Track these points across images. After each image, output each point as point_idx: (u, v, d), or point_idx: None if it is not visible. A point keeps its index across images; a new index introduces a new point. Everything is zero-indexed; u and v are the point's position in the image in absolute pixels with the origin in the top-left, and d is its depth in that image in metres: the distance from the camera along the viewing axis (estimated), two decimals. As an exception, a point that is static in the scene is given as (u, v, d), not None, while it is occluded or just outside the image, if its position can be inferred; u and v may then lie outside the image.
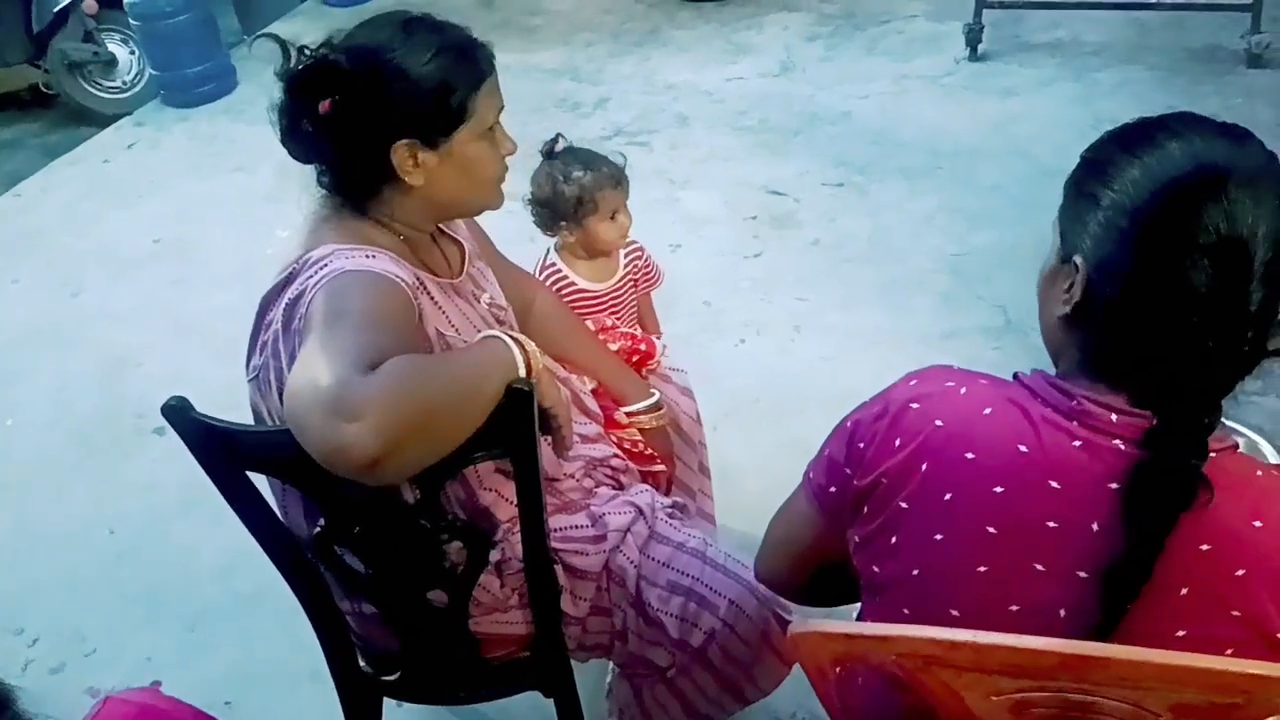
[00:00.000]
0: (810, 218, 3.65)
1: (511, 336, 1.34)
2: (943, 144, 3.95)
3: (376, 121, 1.45)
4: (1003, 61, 4.43)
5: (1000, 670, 1.03)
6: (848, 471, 1.23)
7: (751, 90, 4.50)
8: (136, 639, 2.50)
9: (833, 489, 1.26)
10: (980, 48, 4.44)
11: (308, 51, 1.45)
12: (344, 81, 1.43)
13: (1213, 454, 1.05)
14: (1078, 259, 1.11)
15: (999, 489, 1.10)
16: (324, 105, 1.43)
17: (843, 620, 1.24)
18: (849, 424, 1.25)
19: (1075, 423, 1.08)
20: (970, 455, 1.13)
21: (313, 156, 1.52)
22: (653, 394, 1.92)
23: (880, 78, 4.45)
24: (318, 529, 1.45)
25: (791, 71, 4.62)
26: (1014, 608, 1.10)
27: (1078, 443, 1.08)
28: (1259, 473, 1.08)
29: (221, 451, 1.40)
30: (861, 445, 1.21)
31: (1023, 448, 1.10)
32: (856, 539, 1.24)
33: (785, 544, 1.38)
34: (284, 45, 1.48)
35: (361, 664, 1.70)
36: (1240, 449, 1.11)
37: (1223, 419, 1.88)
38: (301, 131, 1.47)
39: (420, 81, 1.45)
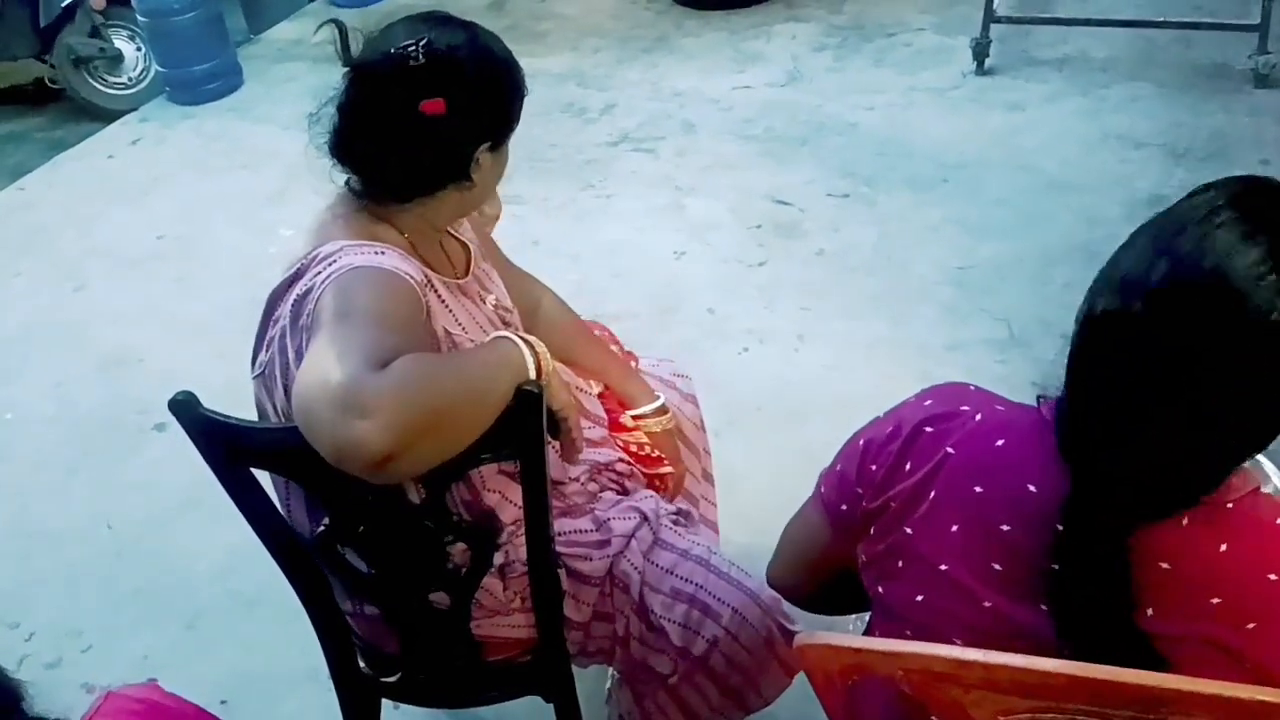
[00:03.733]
0: (815, 227, 3.65)
1: (522, 338, 1.34)
2: (949, 156, 3.94)
3: (480, 123, 1.47)
4: (1009, 76, 4.43)
5: (1010, 690, 1.02)
6: (859, 491, 1.23)
7: (758, 99, 4.50)
8: (134, 636, 2.49)
9: (844, 506, 1.26)
10: (987, 62, 4.43)
11: (409, 49, 1.40)
12: (460, 82, 1.43)
13: (1230, 504, 1.04)
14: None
15: (1005, 527, 1.10)
16: (434, 104, 1.41)
17: (845, 630, 1.23)
18: (862, 442, 1.24)
19: None
20: (979, 489, 1.12)
21: (375, 153, 1.47)
22: (659, 398, 1.92)
23: (887, 89, 4.45)
24: (321, 528, 1.45)
25: (799, 81, 4.61)
26: (1018, 642, 1.09)
27: None
28: (1279, 521, 1.06)
29: (227, 448, 1.40)
30: (873, 467, 1.21)
31: (1031, 487, 1.09)
32: (864, 557, 1.24)
33: (797, 551, 1.38)
34: (344, 33, 1.46)
35: (361, 665, 1.70)
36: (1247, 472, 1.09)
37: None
38: (375, 126, 1.45)
39: (516, 88, 1.50)
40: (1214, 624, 1.02)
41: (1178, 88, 4.17)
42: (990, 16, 4.36)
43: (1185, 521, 1.04)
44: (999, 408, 1.18)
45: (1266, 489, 1.53)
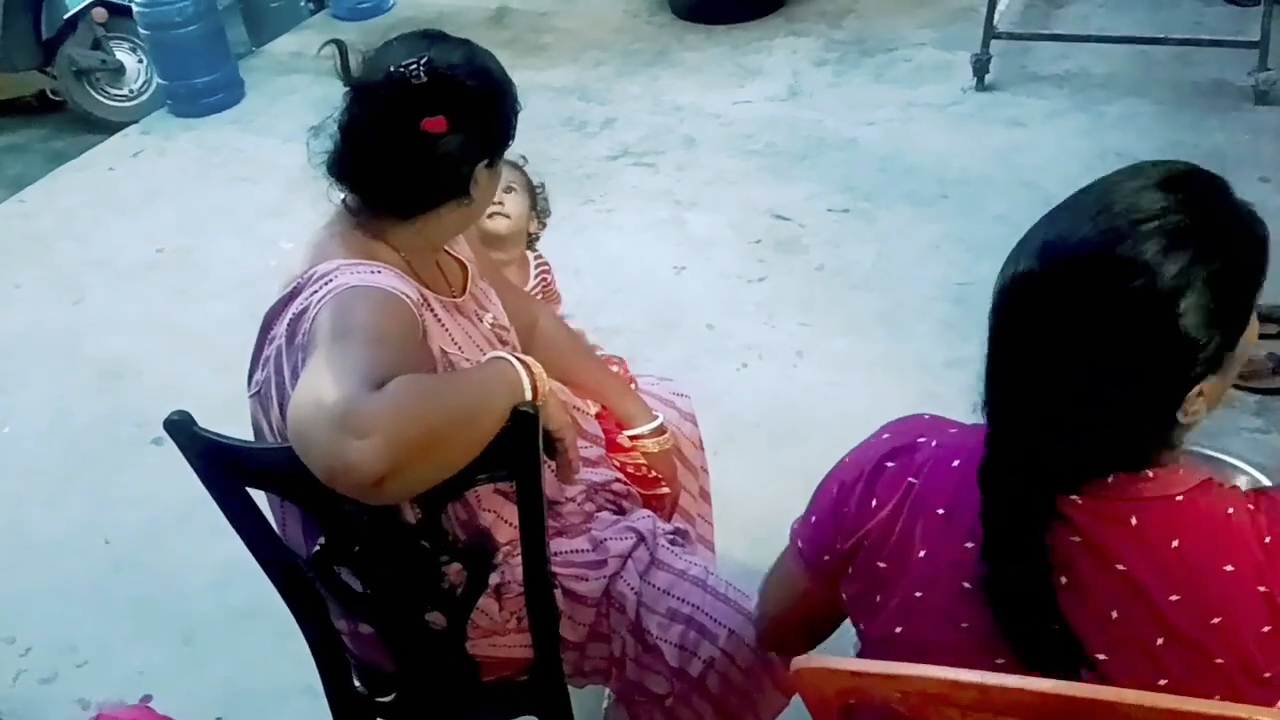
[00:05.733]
0: (815, 243, 3.65)
1: (518, 358, 1.34)
2: (949, 172, 3.95)
3: (480, 140, 1.48)
4: (1010, 92, 4.44)
5: (1006, 710, 1.02)
6: (833, 533, 1.23)
7: (759, 114, 4.50)
8: (129, 651, 2.48)
9: (826, 556, 1.25)
10: (987, 78, 4.44)
11: (410, 67, 1.40)
12: (461, 100, 1.43)
13: (1179, 496, 1.04)
14: None
15: (970, 544, 1.10)
16: (436, 121, 1.42)
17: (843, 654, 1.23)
18: (832, 486, 1.25)
19: None
20: (941, 511, 1.13)
21: (377, 171, 1.47)
22: (656, 417, 1.91)
23: (887, 105, 4.46)
24: (317, 547, 1.44)
25: (799, 96, 4.62)
26: (1000, 660, 1.09)
27: None
28: (1230, 510, 1.05)
29: (222, 467, 1.39)
30: (844, 509, 1.22)
31: None
32: (845, 597, 1.25)
33: (781, 607, 1.38)
34: (344, 53, 1.46)
35: (356, 684, 1.69)
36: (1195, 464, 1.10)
37: (1220, 454, 1.86)
38: (377, 144, 1.45)
39: (512, 104, 1.51)
40: (1178, 624, 1.02)
41: (1177, 105, 4.17)
42: (990, 32, 4.38)
43: (1134, 521, 1.04)
44: (952, 431, 1.20)
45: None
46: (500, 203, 2.07)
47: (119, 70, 5.19)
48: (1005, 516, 1.06)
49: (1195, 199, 1.02)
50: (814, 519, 1.27)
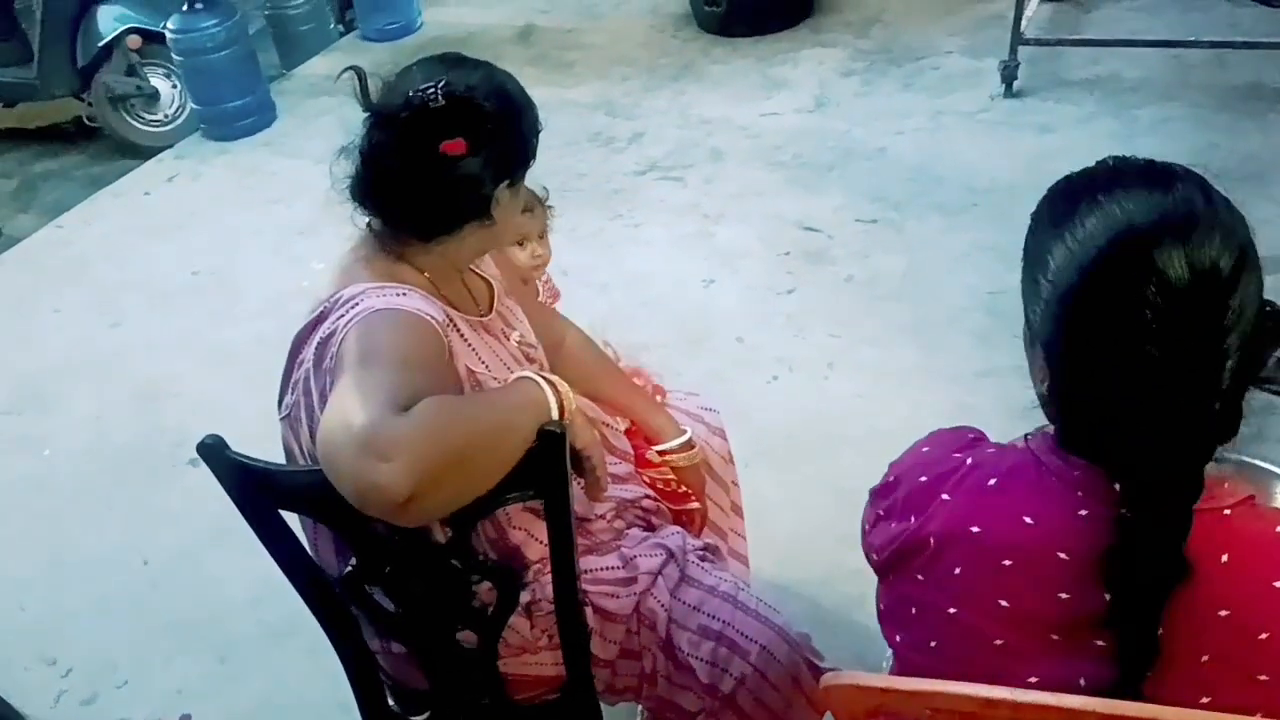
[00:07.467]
0: (844, 254, 3.64)
1: (544, 378, 1.35)
2: (979, 181, 3.92)
3: (500, 161, 1.48)
4: (1039, 98, 4.41)
5: (1039, 729, 1.01)
6: (871, 543, 1.24)
7: (786, 125, 4.50)
8: (167, 670, 2.51)
9: (874, 555, 1.26)
10: (1016, 84, 4.41)
11: (428, 91, 1.42)
12: (480, 121, 1.44)
13: (1226, 510, 1.03)
14: (1040, 348, 1.10)
15: (1007, 562, 1.10)
16: (455, 144, 1.43)
17: (875, 671, 1.23)
18: (872, 494, 1.27)
19: (1080, 492, 1.07)
20: (976, 530, 1.12)
21: (398, 194, 1.49)
22: (685, 431, 1.91)
23: (916, 114, 4.44)
24: (348, 568, 1.45)
25: (827, 107, 4.61)
26: (1033, 679, 1.08)
27: (1084, 511, 1.06)
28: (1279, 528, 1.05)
29: (255, 490, 1.41)
30: (878, 518, 1.23)
31: (1028, 520, 1.09)
32: (882, 606, 1.25)
33: None
34: (363, 79, 1.47)
35: (390, 703, 1.70)
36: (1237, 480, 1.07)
37: (1263, 462, 1.83)
38: (397, 168, 1.46)
39: (532, 124, 1.52)
40: (1225, 639, 1.01)
41: (1211, 109, 4.13)
42: (1018, 39, 4.34)
43: None
44: (990, 450, 1.19)
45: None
46: (540, 254, 2.07)
47: (153, 96, 5.26)
48: (1160, 527, 1.01)
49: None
50: (863, 523, 1.28)
